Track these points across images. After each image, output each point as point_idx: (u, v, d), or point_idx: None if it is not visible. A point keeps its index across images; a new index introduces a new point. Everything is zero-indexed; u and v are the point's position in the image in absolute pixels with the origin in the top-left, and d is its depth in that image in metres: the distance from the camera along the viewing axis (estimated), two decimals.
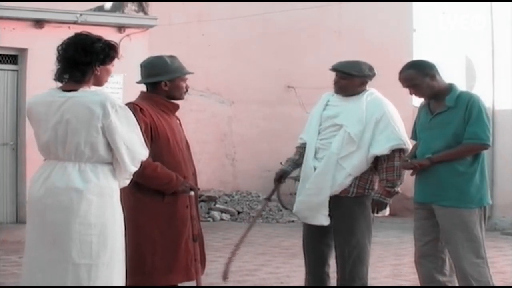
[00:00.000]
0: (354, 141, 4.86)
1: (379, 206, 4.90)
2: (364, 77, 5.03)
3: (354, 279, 5.03)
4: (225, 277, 5.22)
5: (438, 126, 4.68)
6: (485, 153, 4.71)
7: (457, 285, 4.74)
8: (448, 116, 4.65)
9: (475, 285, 4.53)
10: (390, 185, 4.87)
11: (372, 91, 5.08)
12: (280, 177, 5.22)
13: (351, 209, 4.95)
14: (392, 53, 13.13)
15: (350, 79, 4.99)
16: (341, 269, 5.05)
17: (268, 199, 5.59)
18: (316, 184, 4.94)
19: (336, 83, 5.06)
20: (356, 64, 5.04)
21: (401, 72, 4.77)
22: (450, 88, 4.72)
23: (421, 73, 4.67)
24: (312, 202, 4.96)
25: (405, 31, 13.59)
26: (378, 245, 9.09)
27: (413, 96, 4.86)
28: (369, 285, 6.50)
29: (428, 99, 4.78)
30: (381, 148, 4.86)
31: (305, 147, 5.17)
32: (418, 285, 4.97)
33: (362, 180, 4.95)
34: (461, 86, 4.82)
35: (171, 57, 4.59)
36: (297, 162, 5.23)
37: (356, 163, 4.88)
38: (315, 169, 4.97)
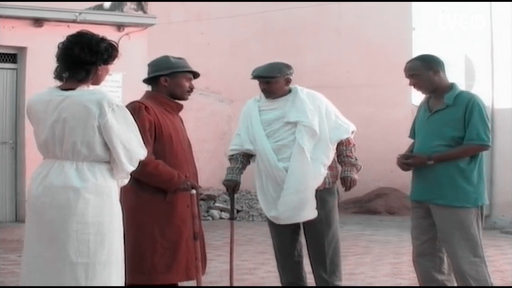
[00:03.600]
0: (316, 132, 5.07)
1: (352, 182, 5.19)
2: (287, 75, 5.18)
3: (335, 272, 5.14)
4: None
5: (437, 124, 4.67)
6: (484, 152, 4.71)
7: (455, 284, 4.74)
8: (447, 114, 4.65)
9: (473, 284, 4.53)
10: (354, 159, 5.22)
11: (299, 87, 5.25)
12: (234, 188, 5.27)
13: (326, 200, 5.14)
14: (391, 52, 13.15)
15: (275, 81, 5.14)
16: (320, 263, 5.13)
17: (233, 218, 5.56)
18: (294, 182, 5.01)
19: (264, 89, 5.19)
20: (275, 66, 5.20)
21: (407, 62, 4.81)
22: (451, 86, 4.72)
23: (426, 65, 4.69)
24: (293, 201, 5.02)
25: (404, 30, 13.60)
26: (377, 244, 9.11)
27: (412, 91, 4.87)
28: (367, 284, 6.53)
29: (427, 93, 4.78)
30: (345, 132, 5.21)
31: (243, 155, 5.27)
32: (418, 284, 4.97)
33: (332, 168, 5.19)
34: (460, 85, 4.82)
35: (179, 58, 4.62)
36: (241, 170, 5.30)
37: (325, 151, 5.11)
38: (285, 169, 5.03)
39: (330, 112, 5.19)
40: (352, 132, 5.26)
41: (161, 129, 4.35)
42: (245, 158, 5.31)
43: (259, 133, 5.15)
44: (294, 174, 5.01)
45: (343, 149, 5.24)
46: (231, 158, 5.35)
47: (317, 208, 5.07)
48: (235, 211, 5.61)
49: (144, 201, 4.34)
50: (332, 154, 5.17)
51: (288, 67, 5.22)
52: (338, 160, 5.27)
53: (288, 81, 5.19)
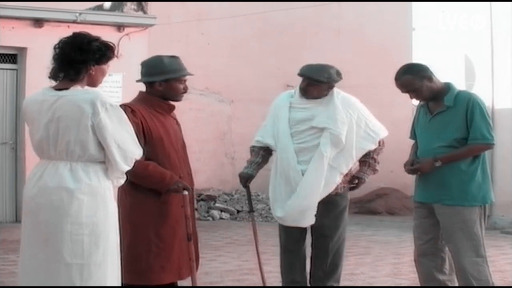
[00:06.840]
0: (342, 141, 4.96)
1: (362, 183, 5.24)
2: (333, 82, 5.04)
3: (332, 273, 5.14)
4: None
5: (438, 126, 4.67)
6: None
7: (456, 284, 4.74)
8: (448, 115, 4.64)
9: (474, 284, 4.53)
10: (377, 164, 5.24)
11: (337, 89, 5.11)
12: (246, 181, 5.22)
13: (337, 203, 5.11)
14: (391, 52, 13.15)
15: (319, 85, 5.00)
16: (319, 262, 5.13)
17: (252, 210, 5.56)
18: (307, 187, 4.97)
19: (303, 89, 5.04)
20: (325, 70, 5.02)
21: (397, 79, 4.72)
22: (447, 87, 4.71)
23: (419, 76, 4.65)
24: (302, 205, 4.99)
25: (404, 30, 13.59)
26: (377, 244, 9.11)
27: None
28: (368, 284, 6.52)
29: (429, 101, 4.76)
30: (372, 143, 5.13)
31: (265, 149, 5.21)
32: (418, 284, 4.97)
33: (346, 175, 5.14)
34: (460, 85, 4.82)
35: (172, 57, 4.55)
36: (260, 165, 5.24)
37: (347, 161, 5.05)
38: (302, 172, 4.99)
39: (360, 120, 5.06)
40: (382, 139, 5.19)
41: (150, 130, 4.34)
42: (267, 152, 5.23)
43: (284, 131, 5.05)
44: (309, 179, 4.96)
45: (371, 151, 5.17)
46: (253, 150, 5.28)
47: (327, 211, 5.04)
48: (252, 204, 5.57)
49: (139, 201, 4.35)
50: (352, 163, 5.10)
51: (338, 74, 5.05)
52: (361, 158, 5.19)
53: (330, 88, 5.04)
